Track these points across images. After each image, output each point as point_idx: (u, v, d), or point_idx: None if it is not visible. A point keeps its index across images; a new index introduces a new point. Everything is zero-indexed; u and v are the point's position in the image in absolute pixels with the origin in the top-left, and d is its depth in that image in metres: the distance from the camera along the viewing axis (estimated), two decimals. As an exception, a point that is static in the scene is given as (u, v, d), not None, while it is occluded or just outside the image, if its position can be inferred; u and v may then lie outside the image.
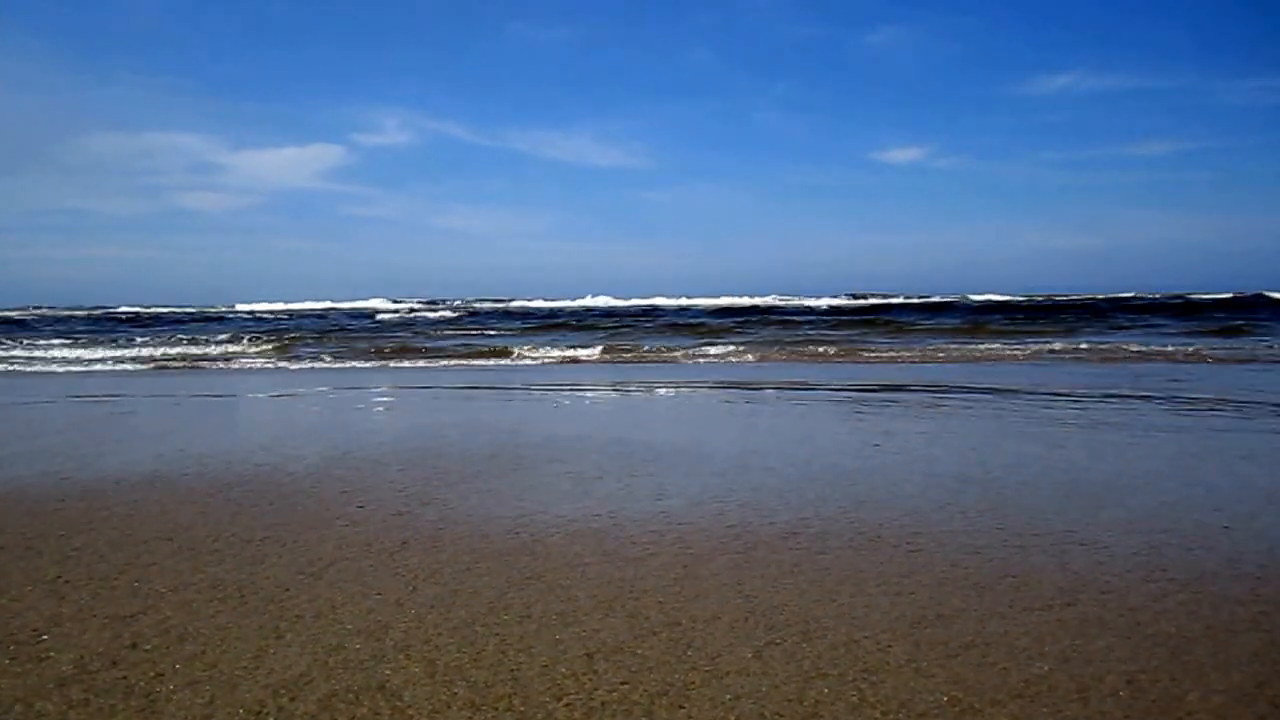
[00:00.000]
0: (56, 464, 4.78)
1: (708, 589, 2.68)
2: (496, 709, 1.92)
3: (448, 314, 36.67)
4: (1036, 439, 5.34)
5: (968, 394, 7.93)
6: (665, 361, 14.21)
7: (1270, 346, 14.78)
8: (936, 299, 40.47)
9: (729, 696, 1.97)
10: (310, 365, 14.03)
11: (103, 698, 1.98)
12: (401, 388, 9.49)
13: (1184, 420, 6.18)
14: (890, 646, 2.24)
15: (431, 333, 23.11)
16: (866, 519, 3.47)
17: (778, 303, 40.13)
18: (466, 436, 5.63)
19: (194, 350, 17.35)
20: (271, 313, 42.45)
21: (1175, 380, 9.09)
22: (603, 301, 46.40)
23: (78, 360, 15.36)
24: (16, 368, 14.09)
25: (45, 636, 2.34)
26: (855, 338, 18.55)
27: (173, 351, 16.97)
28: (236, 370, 13.45)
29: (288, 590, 2.70)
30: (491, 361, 14.64)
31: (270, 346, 18.00)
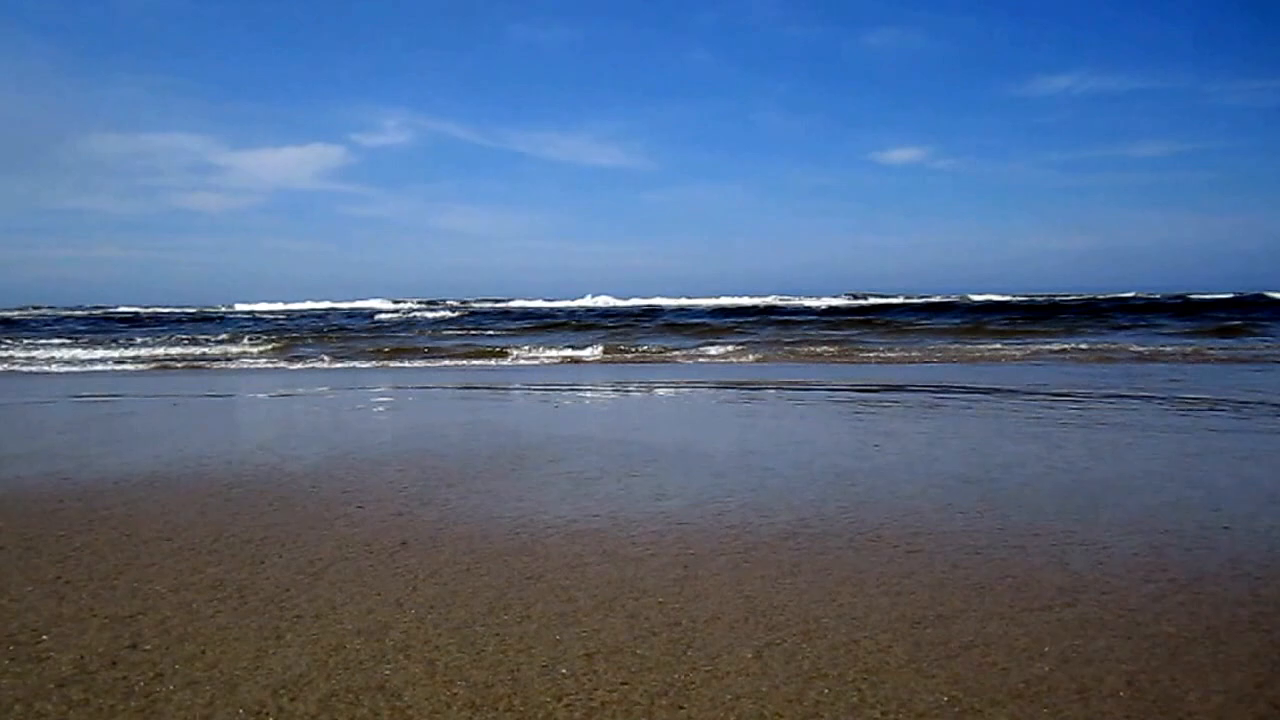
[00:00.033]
0: (56, 464, 4.78)
1: (708, 589, 2.68)
2: (496, 709, 1.92)
3: (447, 314, 36.66)
4: (1036, 439, 5.34)
5: (968, 394, 7.93)
6: (665, 362, 14.20)
7: (1269, 346, 14.78)
8: (936, 299, 40.49)
9: (729, 697, 1.97)
10: (310, 365, 14.03)
11: (103, 698, 1.98)
12: (401, 388, 9.49)
13: (1184, 420, 6.17)
14: (890, 647, 2.24)
15: (431, 333, 23.12)
16: (866, 519, 3.47)
17: (778, 303, 40.12)
18: (466, 437, 5.63)
19: (193, 350, 17.35)
20: (271, 313, 42.45)
21: (1175, 380, 9.09)
22: (602, 301, 46.40)
23: (77, 360, 15.36)
24: (16, 368, 14.09)
25: (45, 637, 2.34)
26: (855, 338, 18.55)
27: (172, 351, 16.97)
28: (236, 370, 13.45)
29: (288, 590, 2.69)
30: (491, 362, 14.64)
31: (270, 346, 18.00)
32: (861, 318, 26.07)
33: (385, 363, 14.38)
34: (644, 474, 4.40)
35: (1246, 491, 3.94)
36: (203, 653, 2.22)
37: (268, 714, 1.91)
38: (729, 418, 6.75)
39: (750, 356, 14.57)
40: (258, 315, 39.57)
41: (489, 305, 47.49)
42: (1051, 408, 6.89)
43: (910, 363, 12.84)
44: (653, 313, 33.74)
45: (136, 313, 43.58)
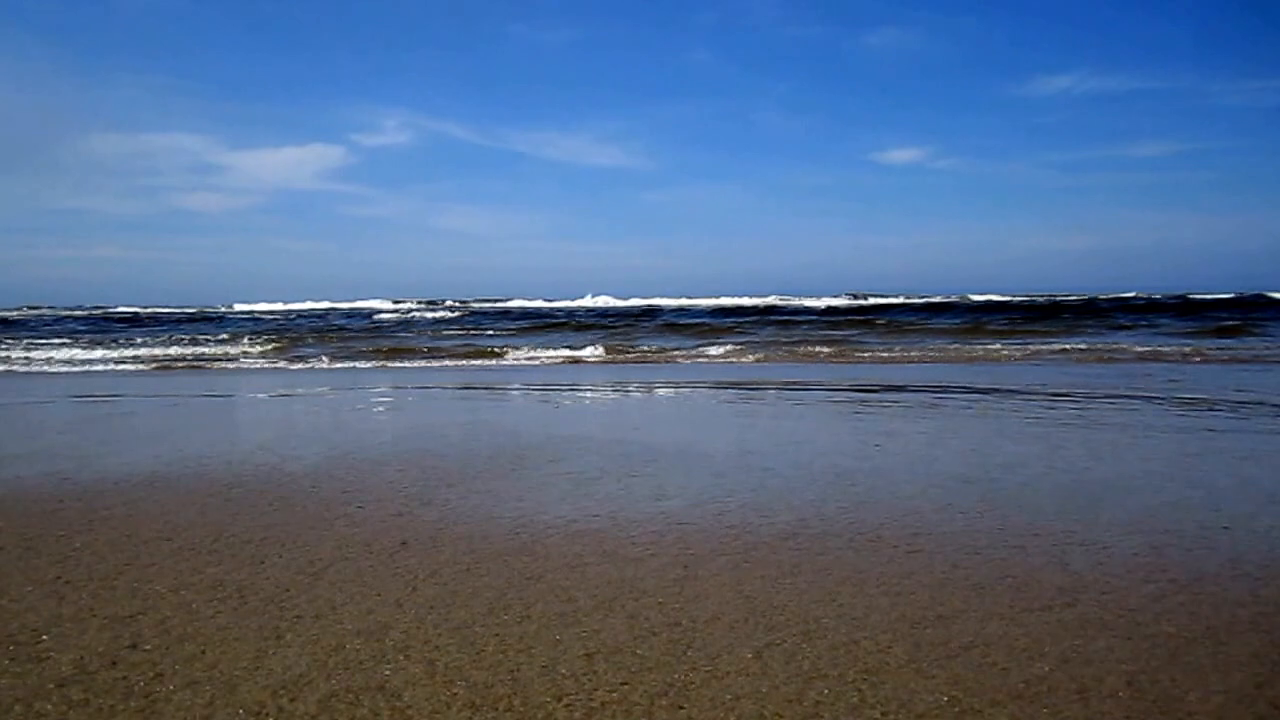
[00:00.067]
0: (56, 464, 4.78)
1: (708, 590, 2.68)
2: (496, 709, 1.92)
3: (447, 314, 36.67)
4: (1036, 439, 5.34)
5: (968, 394, 7.93)
6: (665, 362, 14.20)
7: (1269, 346, 14.78)
8: (936, 299, 40.50)
9: (729, 697, 1.97)
10: (309, 365, 14.03)
11: (102, 698, 1.98)
12: (401, 388, 9.49)
13: (1184, 420, 6.17)
14: (890, 647, 2.24)
15: (431, 333, 23.12)
16: (866, 519, 3.47)
17: (777, 303, 40.13)
18: (466, 437, 5.63)
19: (193, 350, 17.35)
20: (271, 313, 42.47)
21: (1175, 380, 9.09)
22: (602, 301, 46.41)
23: (77, 360, 15.36)
24: (16, 368, 14.09)
25: (45, 637, 2.34)
26: (855, 338, 18.56)
27: (172, 352, 16.97)
28: (236, 370, 13.45)
29: (287, 591, 2.69)
30: (491, 362, 14.64)
31: (270, 347, 18.00)
32: (861, 318, 26.08)
33: (385, 363, 14.38)
34: (644, 474, 4.40)
35: (1246, 491, 3.94)
36: (203, 653, 2.22)
37: (268, 714, 1.91)
38: (729, 418, 6.75)
39: (750, 356, 14.57)
40: (258, 315, 39.58)
41: (489, 305, 47.50)
42: (1051, 408, 6.89)
43: (910, 363, 12.84)
44: (653, 313, 33.75)
45: (136, 313, 43.59)
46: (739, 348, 16.16)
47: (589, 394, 8.77)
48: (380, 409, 7.44)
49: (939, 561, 2.94)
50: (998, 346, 15.55)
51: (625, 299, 47.05)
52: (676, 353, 15.61)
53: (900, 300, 40.38)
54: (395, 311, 41.27)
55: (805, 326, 22.72)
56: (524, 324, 27.33)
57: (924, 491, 3.95)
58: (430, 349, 16.85)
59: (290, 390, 9.34)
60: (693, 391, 8.73)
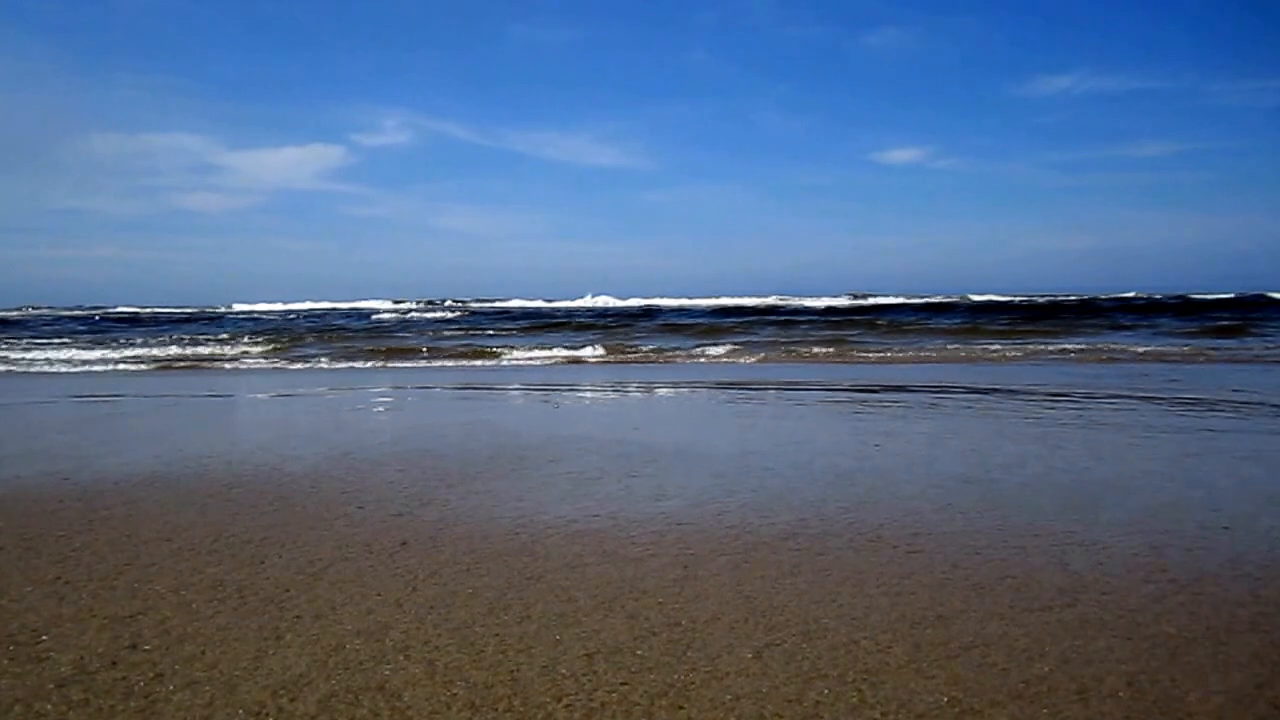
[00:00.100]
0: (56, 464, 4.78)
1: (708, 590, 2.68)
2: (496, 709, 1.92)
3: (447, 314, 36.67)
4: (1036, 439, 5.34)
5: (968, 394, 7.93)
6: (665, 362, 14.20)
7: (1269, 346, 14.78)
8: (936, 299, 40.51)
9: (729, 697, 1.97)
10: (309, 365, 14.03)
11: (102, 698, 1.98)
12: (400, 388, 9.49)
13: (1184, 420, 6.17)
14: (890, 647, 2.24)
15: (430, 333, 23.12)
16: (866, 520, 3.47)
17: (777, 303, 40.13)
18: (466, 437, 5.63)
19: (193, 350, 17.35)
20: (271, 313, 42.47)
21: (1175, 380, 9.09)
22: (602, 301, 46.42)
23: (77, 360, 15.36)
24: (16, 368, 14.09)
25: (45, 637, 2.34)
26: (855, 338, 18.55)
27: (172, 352, 16.97)
28: (236, 371, 13.45)
29: (287, 591, 2.69)
30: (490, 362, 14.64)
31: (270, 347, 18.00)
32: (861, 318, 26.08)
33: (385, 363, 14.38)
34: (644, 474, 4.40)
35: (1246, 492, 3.94)
36: (203, 653, 2.22)
37: (267, 714, 1.90)
38: (729, 418, 6.75)
39: (750, 356, 14.57)
40: (257, 315, 39.59)
41: (489, 305, 47.51)
42: (1051, 408, 6.89)
43: (910, 363, 12.84)
44: (652, 313, 33.75)
45: (136, 313, 43.61)
46: (739, 348, 16.16)
47: (589, 394, 8.76)
48: (380, 409, 7.44)
49: (939, 561, 2.94)
50: (997, 346, 15.55)
51: (625, 299, 47.08)
52: (676, 353, 15.61)
53: (900, 300, 40.38)
54: (395, 311, 41.28)
55: (805, 326, 22.72)
56: (524, 324, 27.34)
57: (924, 491, 3.95)
58: (430, 349, 16.85)
59: (290, 390, 9.34)
60: (693, 391, 8.73)
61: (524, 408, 7.65)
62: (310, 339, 20.31)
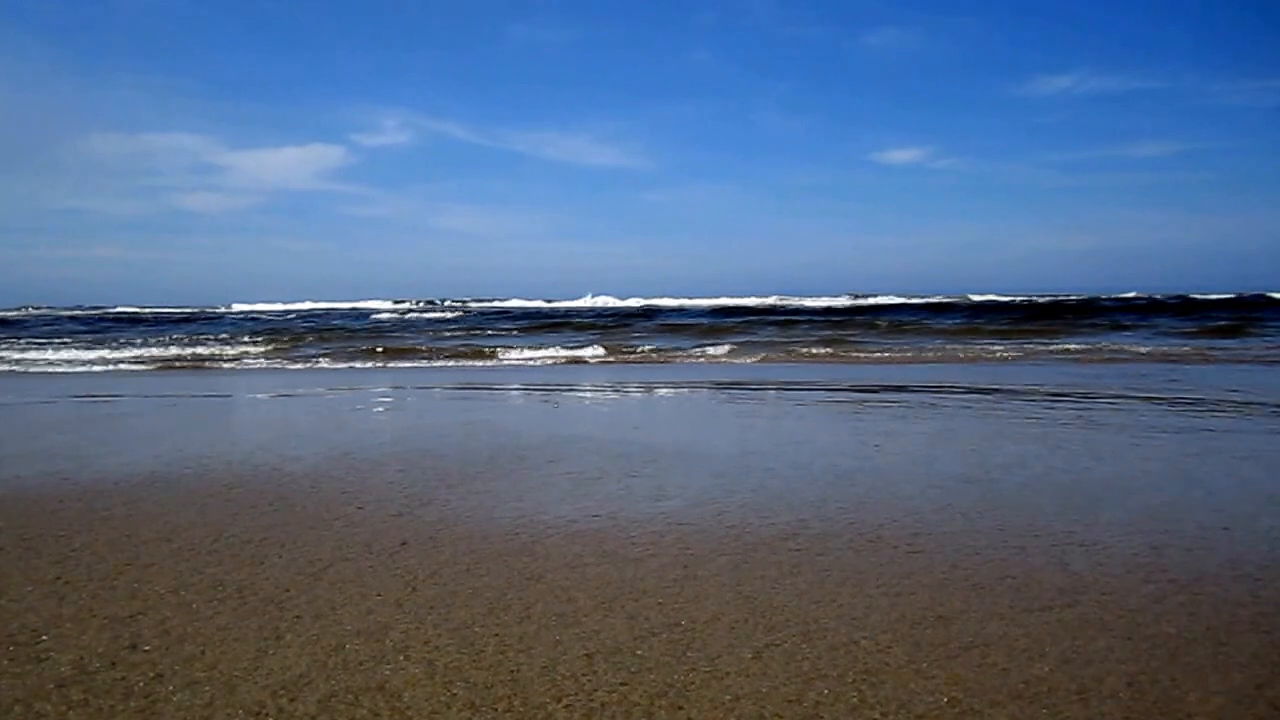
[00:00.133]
0: (56, 464, 4.78)
1: (707, 590, 2.68)
2: (496, 710, 1.92)
3: (446, 314, 36.68)
4: (1036, 439, 5.34)
5: (968, 394, 7.93)
6: (665, 362, 14.20)
7: (1270, 346, 14.78)
8: (936, 299, 40.52)
9: (729, 697, 1.97)
10: (309, 365, 14.03)
11: (102, 699, 1.98)
12: (400, 388, 9.49)
13: (1184, 421, 6.17)
14: (890, 647, 2.24)
15: (431, 333, 23.12)
16: (866, 520, 3.47)
17: (777, 303, 40.14)
18: (465, 437, 5.63)
19: (193, 350, 17.35)
20: (270, 313, 42.49)
21: (1175, 380, 9.09)
22: (602, 301, 46.44)
23: (77, 360, 15.36)
24: (15, 368, 14.09)
25: (44, 637, 2.34)
26: (854, 338, 18.55)
27: (171, 352, 16.97)
28: (236, 371, 13.45)
29: (287, 591, 2.69)
30: (490, 362, 14.64)
31: (269, 347, 18.00)
32: (861, 318, 26.09)
33: (385, 363, 14.38)
34: (644, 474, 4.40)
35: (1246, 492, 3.94)
36: (202, 653, 2.22)
37: (267, 714, 1.90)
38: (729, 418, 6.75)
39: (750, 357, 14.57)
40: (257, 315, 39.60)
41: (488, 305, 47.53)
42: (1051, 408, 6.89)
43: (910, 363, 12.84)
44: (652, 313, 33.76)
45: (136, 313, 43.62)
46: (739, 348, 16.16)
47: (589, 394, 8.76)
48: (380, 409, 7.44)
49: (939, 561, 2.94)
50: (997, 346, 15.55)
51: (625, 299, 47.09)
52: (676, 353, 15.61)
53: (900, 300, 40.39)
54: (395, 312, 41.29)
55: (805, 326, 22.71)
56: (524, 324, 27.34)
57: (924, 491, 3.95)
58: (430, 349, 16.85)
59: (290, 390, 9.34)
60: (693, 391, 8.73)
61: (524, 408, 7.65)
62: (310, 339, 20.31)
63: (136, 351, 16.94)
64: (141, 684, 2.05)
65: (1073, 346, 15.00)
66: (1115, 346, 14.96)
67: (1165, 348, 14.56)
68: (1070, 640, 2.27)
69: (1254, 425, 6.01)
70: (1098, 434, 5.55)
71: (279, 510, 3.72)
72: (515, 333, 23.23)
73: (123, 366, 14.29)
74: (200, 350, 17.36)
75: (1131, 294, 40.31)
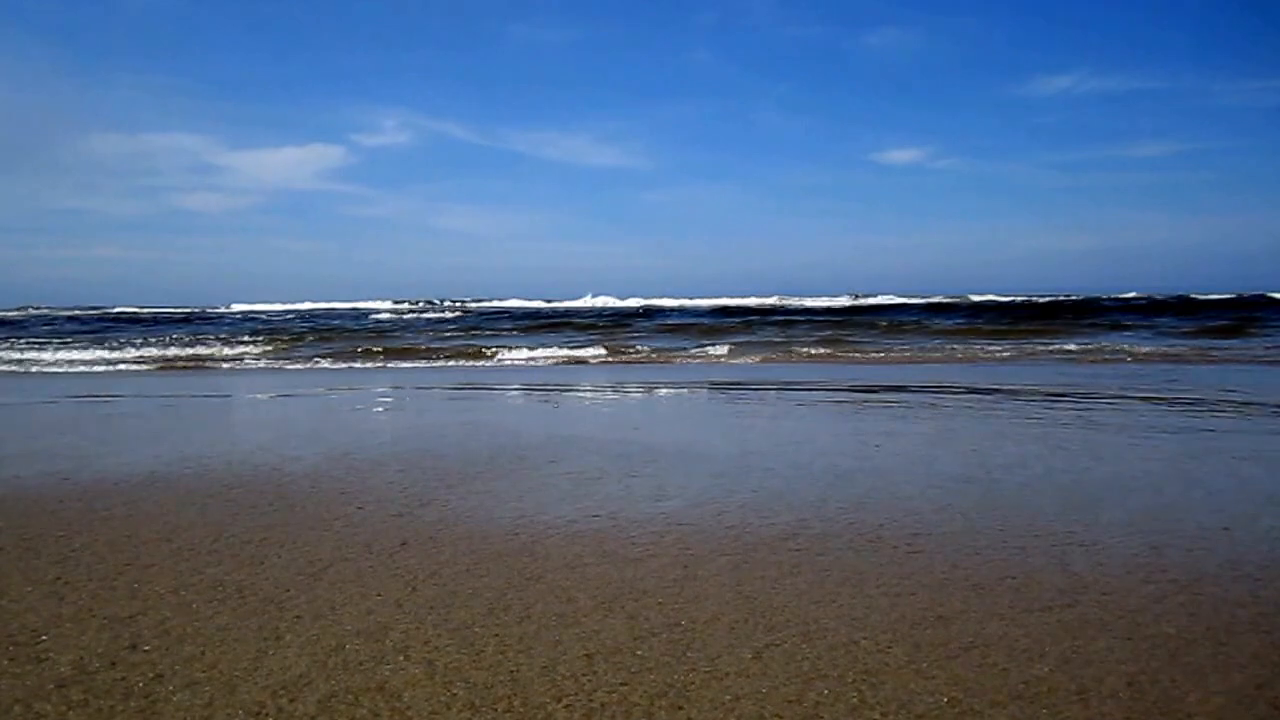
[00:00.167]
0: (56, 464, 4.78)
1: (707, 590, 2.68)
2: (496, 710, 1.92)
3: (446, 314, 36.68)
4: (1036, 439, 5.34)
5: (968, 394, 7.93)
6: (665, 362, 14.21)
7: (1270, 346, 14.78)
8: (936, 299, 40.53)
9: (729, 698, 1.97)
10: (309, 366, 14.03)
11: (102, 699, 1.98)
12: (400, 388, 9.49)
13: (1184, 421, 6.17)
14: (890, 648, 2.24)
15: (431, 333, 23.12)
16: (866, 520, 3.47)
17: (777, 303, 40.15)
18: (465, 437, 5.63)
19: (193, 351, 17.35)
20: (270, 313, 42.49)
21: (1175, 380, 9.09)
22: (602, 302, 46.45)
23: (77, 361, 15.36)
24: (15, 368, 14.09)
25: (44, 637, 2.34)
26: (854, 338, 18.56)
27: (171, 352, 16.97)
28: (236, 371, 13.45)
29: (287, 591, 2.69)
30: (490, 362, 14.64)
31: (269, 347, 18.00)
32: (861, 318, 26.09)
33: (385, 363, 14.38)
34: (644, 474, 4.40)
35: (1246, 492, 3.94)
36: (202, 653, 2.22)
37: (267, 715, 1.90)
38: (729, 418, 6.75)
39: (750, 357, 14.57)
40: (257, 315, 39.60)
41: (488, 305, 47.53)
42: (1051, 408, 6.89)
43: (910, 363, 12.84)
44: (652, 313, 33.77)
45: (136, 313, 43.63)
46: (739, 348, 16.16)
47: (589, 394, 8.76)
48: (380, 409, 7.44)
49: (939, 562, 2.94)
50: (997, 347, 15.55)
51: (625, 299, 47.11)
52: (676, 353, 15.61)
53: (900, 300, 40.40)
54: (395, 312, 41.30)
55: (805, 326, 22.71)
56: (524, 324, 27.35)
57: (924, 491, 3.95)
58: (430, 349, 16.85)
59: (290, 390, 9.34)
60: (693, 391, 8.73)
61: (524, 408, 7.65)
62: (310, 339, 20.31)
63: (136, 352, 16.94)
64: (141, 684, 2.05)
65: (1072, 347, 15.00)
66: (1115, 346, 14.96)
67: (1165, 348, 14.56)
68: (1070, 640, 2.27)
69: (1254, 425, 6.01)
70: (1098, 434, 5.55)
71: (279, 510, 3.72)
72: (515, 333, 23.23)
73: (122, 367, 14.29)
74: (200, 350, 17.36)
75: (1131, 294, 40.32)
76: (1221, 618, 2.42)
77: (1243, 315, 23.03)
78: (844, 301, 40.53)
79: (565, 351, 15.97)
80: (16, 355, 16.43)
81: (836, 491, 3.97)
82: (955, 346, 15.83)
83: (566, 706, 1.93)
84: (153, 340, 20.43)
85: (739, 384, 9.40)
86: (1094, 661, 2.14)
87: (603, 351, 15.93)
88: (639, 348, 16.87)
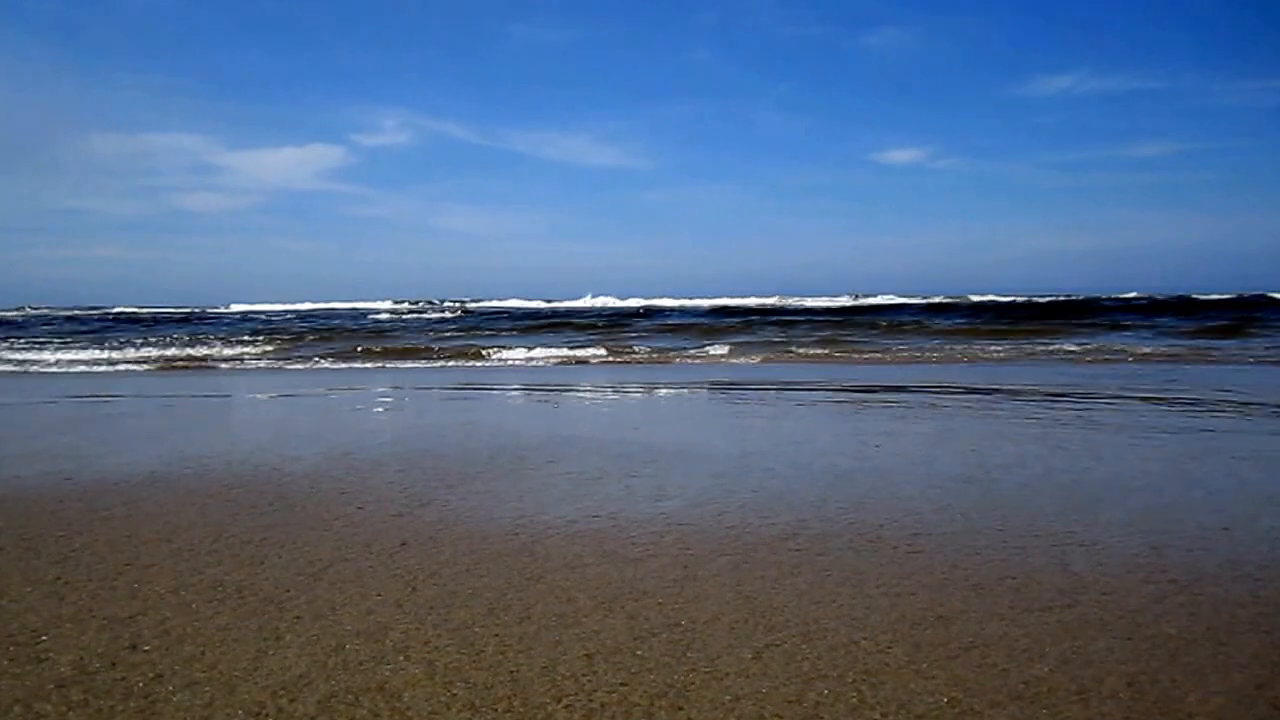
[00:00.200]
0: (57, 464, 4.78)
1: (707, 590, 2.68)
2: (496, 710, 1.92)
3: (446, 314, 36.68)
4: (1036, 439, 5.34)
5: (968, 394, 7.93)
6: (665, 362, 14.20)
7: (1270, 347, 14.78)
8: (936, 299, 40.53)
9: (729, 698, 1.97)
10: (309, 366, 14.03)
11: (102, 699, 1.98)
12: (400, 388, 9.49)
13: (1184, 421, 6.17)
14: (890, 648, 2.24)
15: (430, 333, 23.11)
16: (866, 520, 3.47)
17: (777, 303, 40.15)
18: (465, 437, 5.63)
19: (193, 351, 17.35)
20: (270, 313, 42.49)
21: (1175, 380, 9.09)
22: (602, 302, 46.45)
23: (76, 361, 15.36)
24: (15, 368, 14.09)
25: (44, 637, 2.34)
26: (854, 338, 18.55)
27: (171, 352, 16.97)
28: (235, 371, 13.45)
29: (287, 591, 2.69)
30: (490, 362, 14.64)
31: (269, 347, 18.00)
32: (861, 318, 26.09)
33: (384, 363, 14.38)
34: (644, 474, 4.40)
35: (1246, 492, 3.94)
36: (202, 654, 2.22)
37: (267, 715, 1.90)
38: (729, 418, 6.75)
39: (750, 357, 14.57)
40: (257, 315, 39.60)
41: (488, 305, 47.53)
42: (1051, 408, 6.89)
43: (910, 363, 12.84)
44: (652, 313, 33.77)
45: (136, 313, 43.63)
46: (739, 348, 16.16)
47: (589, 394, 8.76)
48: (380, 409, 7.44)
49: (939, 562, 2.94)
50: (997, 347, 15.55)
51: (625, 299, 47.12)
52: (676, 353, 15.61)
53: (900, 300, 40.40)
54: (395, 312, 41.30)
55: (805, 326, 22.71)
56: (524, 324, 27.34)
57: (924, 491, 3.95)
58: (430, 349, 16.84)
59: (290, 390, 9.34)
60: (692, 391, 8.73)
61: (524, 408, 7.65)
62: (310, 339, 20.31)
63: (136, 352, 16.94)
64: (141, 684, 2.05)
65: (1072, 347, 15.00)
66: (1115, 346, 14.96)
67: (1165, 348, 14.56)
68: (1070, 640, 2.27)
69: (1254, 425, 6.01)
70: (1097, 434, 5.55)
71: (279, 510, 3.72)
72: (515, 333, 23.22)
73: (122, 367, 14.29)
74: (200, 350, 17.36)
75: (1131, 294, 40.32)
76: (1221, 618, 2.42)
77: (1243, 315, 23.02)
78: (844, 301, 40.54)
79: (565, 351, 15.97)
80: (17, 355, 16.42)
81: (836, 491, 3.97)
82: (955, 346, 15.83)
83: (566, 707, 1.93)
84: (152, 340, 20.43)
85: (739, 384, 9.40)
86: (1094, 661, 2.14)
87: (603, 351, 15.93)
88: (639, 348, 16.87)
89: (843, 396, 8.10)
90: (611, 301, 46.26)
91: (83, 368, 14.00)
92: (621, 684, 2.04)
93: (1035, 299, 38.85)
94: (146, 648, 2.26)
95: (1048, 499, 3.81)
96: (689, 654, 2.21)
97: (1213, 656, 2.17)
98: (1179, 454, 4.86)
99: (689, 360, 14.25)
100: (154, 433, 6.02)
